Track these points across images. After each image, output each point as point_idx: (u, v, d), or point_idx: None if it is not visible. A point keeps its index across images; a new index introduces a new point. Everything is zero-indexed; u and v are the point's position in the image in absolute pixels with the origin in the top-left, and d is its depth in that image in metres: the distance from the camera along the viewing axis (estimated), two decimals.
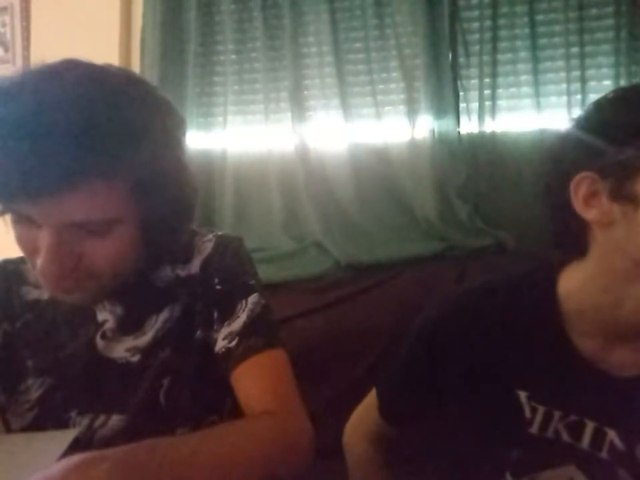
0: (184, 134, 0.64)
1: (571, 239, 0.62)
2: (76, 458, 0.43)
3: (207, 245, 0.73)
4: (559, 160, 0.62)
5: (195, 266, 0.71)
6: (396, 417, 0.78)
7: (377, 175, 1.44)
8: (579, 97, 1.30)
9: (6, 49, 1.77)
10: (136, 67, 1.60)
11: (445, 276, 1.22)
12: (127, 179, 0.54)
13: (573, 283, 0.63)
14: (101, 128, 0.50)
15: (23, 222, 0.56)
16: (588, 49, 1.32)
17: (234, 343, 0.66)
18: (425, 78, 1.37)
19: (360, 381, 1.13)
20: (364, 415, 0.82)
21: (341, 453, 0.85)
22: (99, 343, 0.68)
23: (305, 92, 1.51)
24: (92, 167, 0.50)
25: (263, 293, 0.71)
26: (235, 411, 0.68)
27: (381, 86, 1.45)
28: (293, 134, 1.48)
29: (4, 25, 1.77)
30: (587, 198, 0.57)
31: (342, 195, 1.45)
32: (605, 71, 1.32)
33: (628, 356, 0.61)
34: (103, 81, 0.55)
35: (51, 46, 1.70)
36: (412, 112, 1.41)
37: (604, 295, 0.59)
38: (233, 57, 1.55)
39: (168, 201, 0.60)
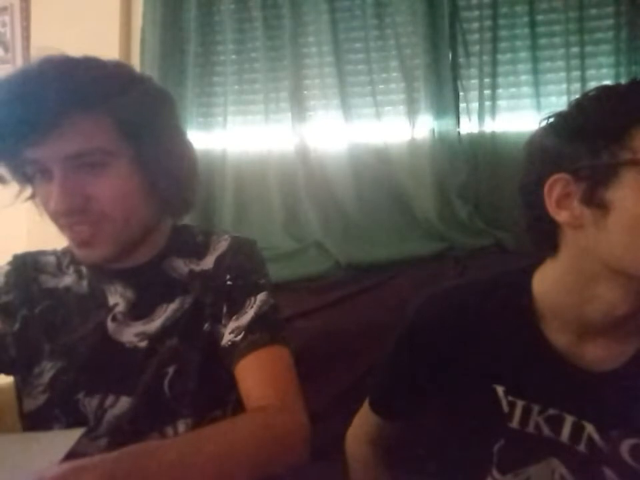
0: (173, 108, 0.73)
1: (543, 238, 0.63)
2: (62, 467, 0.43)
3: (222, 244, 0.76)
4: (536, 158, 0.62)
5: (208, 262, 0.75)
6: (384, 410, 0.80)
7: (377, 175, 1.44)
8: (576, 98, 1.30)
9: (6, 49, 1.77)
10: (136, 67, 1.60)
11: (445, 276, 1.22)
12: (109, 114, 0.62)
13: (545, 281, 0.64)
14: (83, 74, 0.61)
15: (38, 178, 0.64)
16: (588, 49, 1.32)
17: (240, 337, 0.68)
18: (424, 78, 1.37)
19: (360, 381, 1.13)
20: (364, 418, 0.83)
21: (341, 452, 0.85)
22: (110, 325, 0.71)
23: (305, 92, 1.51)
24: (74, 102, 0.59)
25: (273, 293, 0.73)
26: (238, 407, 0.68)
27: (381, 86, 1.46)
28: (292, 134, 1.48)
29: (4, 25, 1.77)
30: (560, 200, 0.58)
31: (342, 195, 1.46)
32: (605, 71, 1.32)
33: (600, 352, 0.62)
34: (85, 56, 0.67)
35: (51, 46, 1.70)
36: (412, 112, 1.41)
37: (572, 294, 0.61)
38: (233, 57, 1.55)
39: (159, 144, 0.66)
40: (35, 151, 0.61)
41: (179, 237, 0.78)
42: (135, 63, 1.61)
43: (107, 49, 1.60)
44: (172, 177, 0.68)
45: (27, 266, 0.76)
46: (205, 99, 1.58)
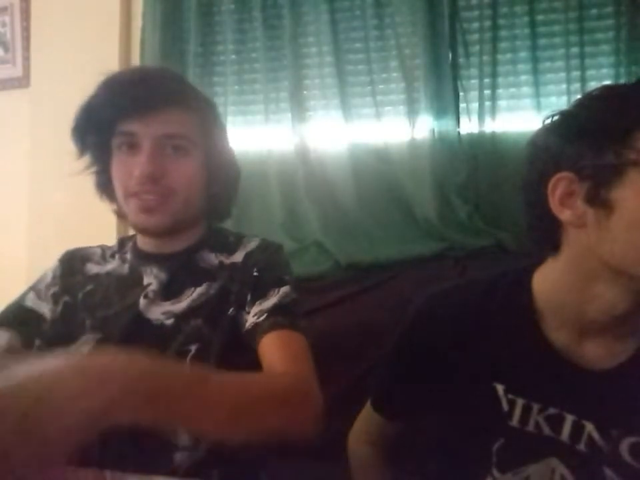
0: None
1: (545, 236, 0.63)
2: (88, 366, 0.44)
3: (252, 244, 0.86)
4: (539, 157, 0.62)
5: (238, 257, 0.83)
6: (385, 409, 0.80)
7: (377, 175, 1.44)
8: (579, 97, 1.30)
9: (6, 49, 1.77)
10: None
11: (445, 276, 1.22)
12: (198, 115, 0.78)
13: (546, 280, 0.65)
14: (182, 78, 0.82)
15: (123, 149, 0.76)
16: (588, 49, 1.31)
17: (262, 318, 0.73)
18: (424, 78, 1.37)
19: (360, 381, 1.13)
20: (366, 417, 0.83)
21: (342, 452, 0.85)
22: (142, 302, 0.79)
23: (305, 92, 1.51)
24: (179, 97, 0.76)
25: (296, 290, 0.78)
26: None
27: (381, 86, 1.46)
28: (292, 134, 1.48)
29: (4, 25, 1.77)
30: (563, 198, 0.58)
31: (342, 195, 1.45)
32: (605, 71, 1.32)
33: (600, 350, 0.62)
34: None
35: (50, 46, 1.70)
36: (412, 112, 1.41)
37: (572, 293, 0.61)
38: (233, 57, 1.55)
39: (220, 150, 0.83)
40: (135, 125, 0.74)
41: (213, 235, 0.88)
42: (135, 63, 1.61)
43: (107, 49, 1.60)
44: (223, 181, 0.84)
45: (75, 259, 0.87)
46: None
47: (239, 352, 0.73)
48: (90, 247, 0.91)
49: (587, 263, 0.58)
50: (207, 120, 0.80)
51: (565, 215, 0.58)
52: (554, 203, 0.58)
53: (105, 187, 0.83)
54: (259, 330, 0.72)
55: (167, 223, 0.78)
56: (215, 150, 0.81)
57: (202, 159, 0.79)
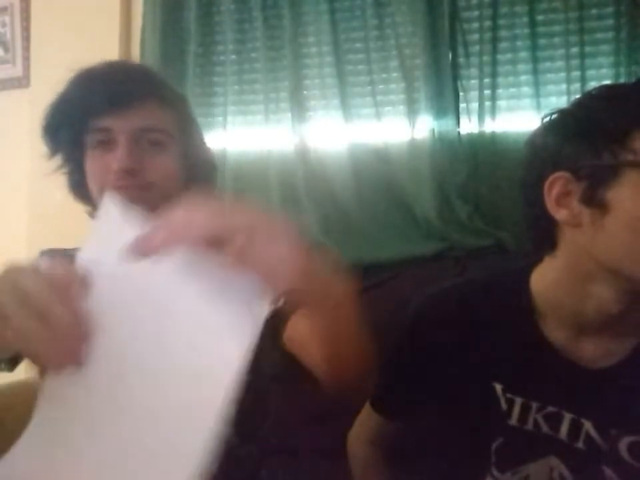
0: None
1: (542, 236, 0.63)
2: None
3: None
4: (537, 156, 0.62)
5: None
6: (385, 409, 0.80)
7: (377, 175, 1.44)
8: (578, 97, 1.31)
9: (6, 49, 1.77)
10: None
11: (445, 276, 1.22)
12: (174, 109, 0.78)
13: (543, 279, 0.65)
14: (155, 72, 0.84)
15: (98, 146, 0.74)
16: (588, 49, 1.31)
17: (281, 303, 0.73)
18: (424, 78, 1.37)
19: None
20: (365, 418, 0.83)
21: (343, 452, 0.85)
22: None
23: (305, 92, 1.51)
24: (153, 91, 0.75)
25: None
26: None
27: (380, 86, 1.46)
28: (292, 134, 1.48)
29: (4, 25, 1.77)
30: (559, 198, 0.58)
31: (342, 195, 1.46)
32: (604, 71, 1.32)
33: (598, 349, 0.62)
34: None
35: (50, 46, 1.70)
36: (412, 112, 1.41)
37: (569, 292, 0.61)
38: (233, 57, 1.55)
39: (197, 145, 0.83)
40: (110, 121, 0.72)
41: None
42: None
43: (107, 49, 1.60)
44: (200, 175, 0.83)
45: (57, 257, 0.83)
46: (205, 99, 1.58)
47: None
48: (66, 248, 0.88)
49: (583, 263, 0.58)
50: (182, 114, 0.80)
51: (561, 214, 0.58)
52: (550, 202, 0.58)
53: (78, 187, 0.81)
54: (282, 315, 0.73)
55: (146, 217, 0.78)
56: (191, 144, 0.81)
57: (179, 152, 0.78)
